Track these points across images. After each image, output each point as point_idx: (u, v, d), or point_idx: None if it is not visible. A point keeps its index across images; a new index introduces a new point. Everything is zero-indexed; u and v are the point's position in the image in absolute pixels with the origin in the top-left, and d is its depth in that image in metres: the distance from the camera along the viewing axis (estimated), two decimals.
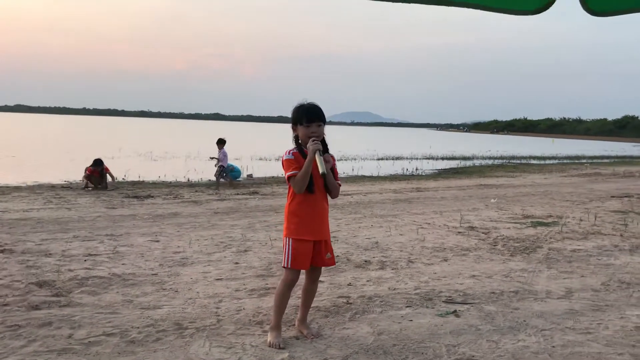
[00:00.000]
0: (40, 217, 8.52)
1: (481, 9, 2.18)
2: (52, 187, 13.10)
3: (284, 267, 3.70)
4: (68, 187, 13.18)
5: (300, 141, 3.64)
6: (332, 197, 3.76)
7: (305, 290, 3.93)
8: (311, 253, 3.69)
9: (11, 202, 10.15)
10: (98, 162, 13.04)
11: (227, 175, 14.25)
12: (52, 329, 3.84)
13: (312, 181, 3.57)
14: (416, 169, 23.03)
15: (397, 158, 30.55)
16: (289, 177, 3.56)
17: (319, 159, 3.45)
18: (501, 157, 34.17)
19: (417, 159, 30.66)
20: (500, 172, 22.34)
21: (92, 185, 12.75)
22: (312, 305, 4.44)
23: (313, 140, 3.50)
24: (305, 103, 3.63)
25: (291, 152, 3.64)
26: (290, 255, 3.63)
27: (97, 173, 12.86)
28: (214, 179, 15.05)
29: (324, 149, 3.62)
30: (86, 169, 13.02)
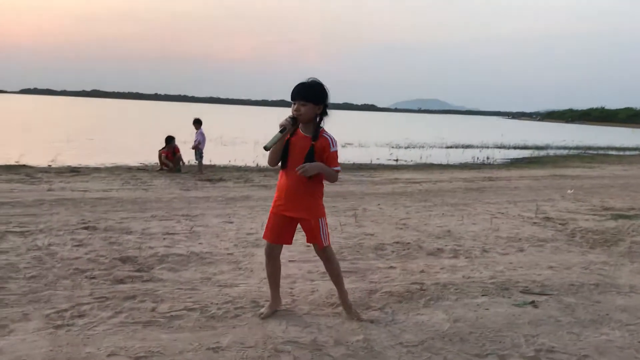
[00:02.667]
0: (120, 197, 8.88)
1: None
2: (128, 168, 13.64)
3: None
4: (144, 169, 13.69)
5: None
6: (329, 182, 3.70)
7: (327, 272, 3.96)
8: (285, 228, 3.74)
9: (91, 182, 10.63)
10: (169, 139, 13.49)
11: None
12: (137, 302, 4.00)
13: (286, 157, 3.61)
14: (487, 158, 22.50)
15: (467, 146, 29.91)
16: None
17: (274, 134, 3.50)
18: (577, 147, 32.82)
19: (488, 147, 29.89)
20: (576, 162, 21.50)
21: (167, 168, 13.19)
22: (385, 290, 4.46)
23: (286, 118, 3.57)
24: (303, 81, 3.60)
25: None
26: (264, 227, 3.84)
27: (170, 155, 13.28)
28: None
29: (313, 131, 3.60)
30: (160, 151, 13.49)
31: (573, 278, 5.06)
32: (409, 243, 6.21)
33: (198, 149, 13.49)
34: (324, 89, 3.60)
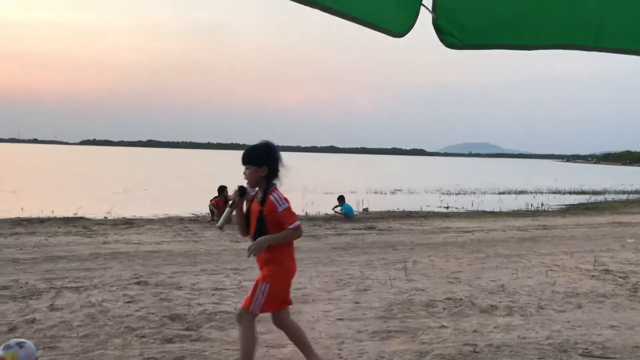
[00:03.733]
0: (171, 249, 9.02)
1: (352, 20, 2.17)
2: (180, 220, 13.88)
3: None
4: (195, 219, 13.91)
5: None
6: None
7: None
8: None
9: (145, 234, 10.87)
10: (222, 189, 13.72)
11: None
12: None
13: (248, 226, 3.57)
14: (541, 205, 21.88)
15: (520, 192, 29.25)
16: None
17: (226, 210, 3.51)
18: (637, 192, 31.56)
19: (542, 193, 29.14)
20: (636, 208, 20.67)
21: (218, 218, 13.38)
22: (437, 352, 4.34)
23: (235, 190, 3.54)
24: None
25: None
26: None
27: (221, 203, 13.49)
28: (330, 212, 15.20)
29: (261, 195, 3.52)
30: (211, 200, 13.72)
31: (637, 340, 4.78)
32: (461, 299, 6.04)
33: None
34: (266, 150, 3.53)
